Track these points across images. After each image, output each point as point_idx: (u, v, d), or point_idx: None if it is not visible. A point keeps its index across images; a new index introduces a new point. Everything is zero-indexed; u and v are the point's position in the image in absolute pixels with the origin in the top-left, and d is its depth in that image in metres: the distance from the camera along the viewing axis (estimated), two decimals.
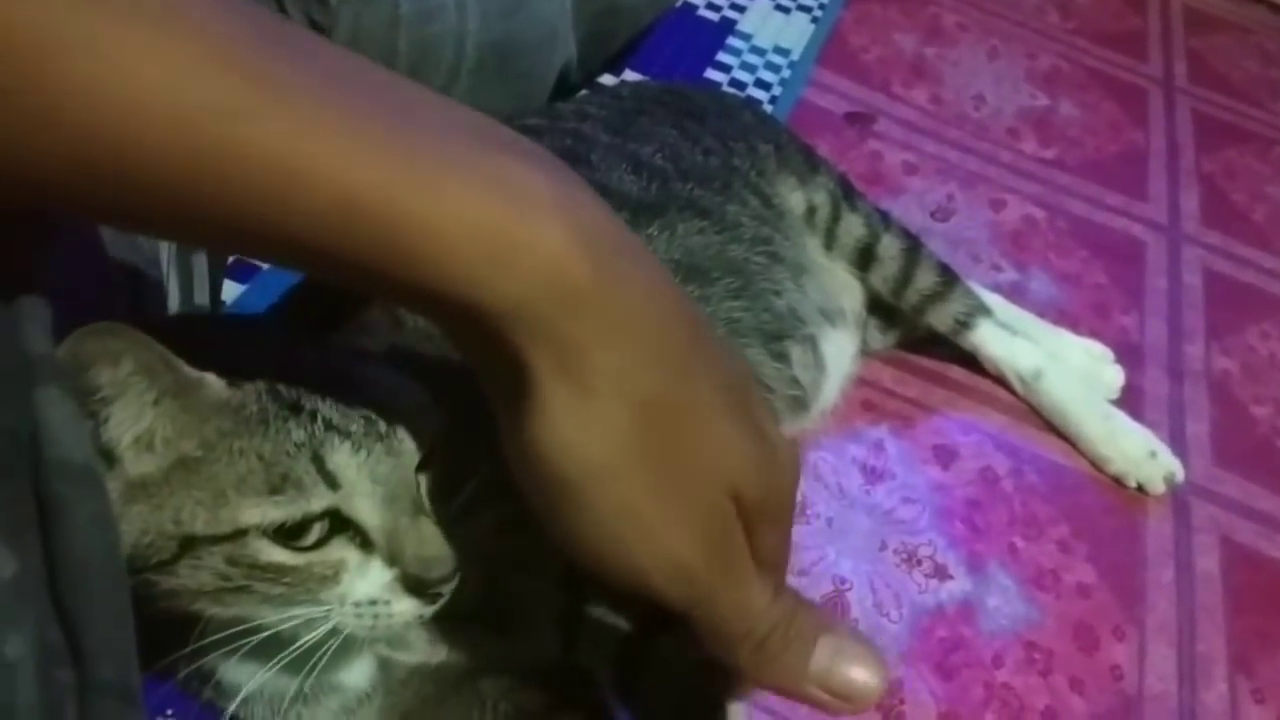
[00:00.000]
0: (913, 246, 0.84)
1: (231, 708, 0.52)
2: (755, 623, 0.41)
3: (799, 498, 0.75)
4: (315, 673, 0.47)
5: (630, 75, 1.07)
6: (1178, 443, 0.89)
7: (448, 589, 0.44)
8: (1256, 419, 0.95)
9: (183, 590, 0.43)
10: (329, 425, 0.42)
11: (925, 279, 0.83)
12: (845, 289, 0.84)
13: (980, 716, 0.69)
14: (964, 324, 0.85)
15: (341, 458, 0.42)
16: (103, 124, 0.31)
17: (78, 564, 0.41)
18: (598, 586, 0.44)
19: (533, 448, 0.36)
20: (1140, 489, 0.84)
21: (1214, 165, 1.24)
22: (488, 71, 0.84)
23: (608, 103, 0.86)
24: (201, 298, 0.63)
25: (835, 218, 0.83)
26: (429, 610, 0.45)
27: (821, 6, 1.29)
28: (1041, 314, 0.94)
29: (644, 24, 1.05)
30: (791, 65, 1.19)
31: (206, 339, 0.46)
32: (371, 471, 0.42)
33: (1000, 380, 0.88)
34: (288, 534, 0.42)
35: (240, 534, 0.41)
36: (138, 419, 0.42)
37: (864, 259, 0.83)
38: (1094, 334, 0.94)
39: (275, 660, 0.46)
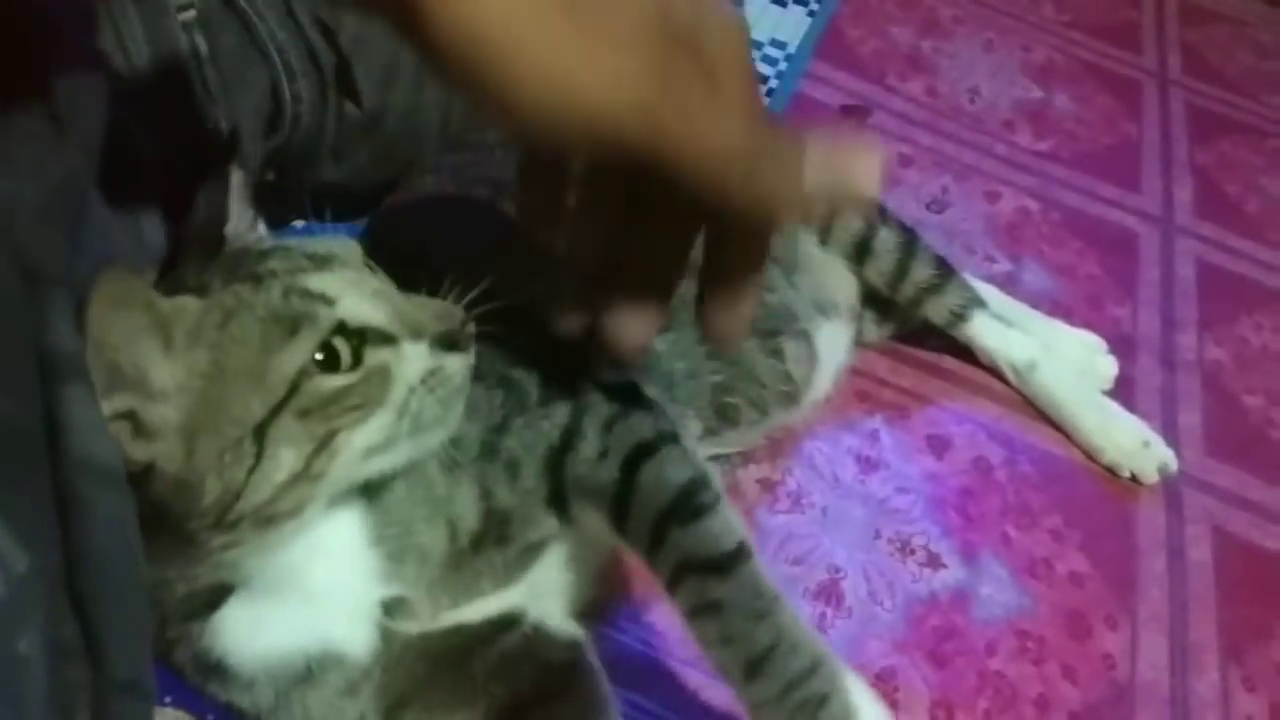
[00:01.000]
0: (909, 240, 0.84)
1: (239, 702, 0.53)
2: (738, 146, 0.39)
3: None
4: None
5: None
6: (1170, 433, 0.89)
7: (471, 329, 0.50)
8: (1249, 409, 0.95)
9: (280, 489, 0.46)
10: (290, 271, 0.47)
11: (921, 272, 0.84)
12: (840, 282, 0.84)
13: (973, 704, 0.69)
14: (959, 316, 0.85)
15: (316, 280, 0.47)
16: None
17: (97, 562, 0.41)
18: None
19: (440, 29, 0.34)
20: (1133, 479, 0.85)
21: (1208, 157, 1.25)
22: None
23: None
24: None
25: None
26: (470, 355, 0.50)
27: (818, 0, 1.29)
28: (1035, 305, 0.95)
29: None
30: (788, 58, 1.19)
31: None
32: (345, 280, 0.48)
33: (994, 371, 0.88)
34: (328, 367, 0.46)
35: (294, 387, 0.45)
36: (159, 362, 0.45)
37: (860, 252, 0.83)
38: (1087, 325, 0.94)
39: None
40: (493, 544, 0.54)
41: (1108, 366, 0.91)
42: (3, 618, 0.36)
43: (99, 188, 0.52)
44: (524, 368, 0.57)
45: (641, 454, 0.53)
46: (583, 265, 0.50)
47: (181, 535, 0.47)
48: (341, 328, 0.46)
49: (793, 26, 1.24)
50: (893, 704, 0.68)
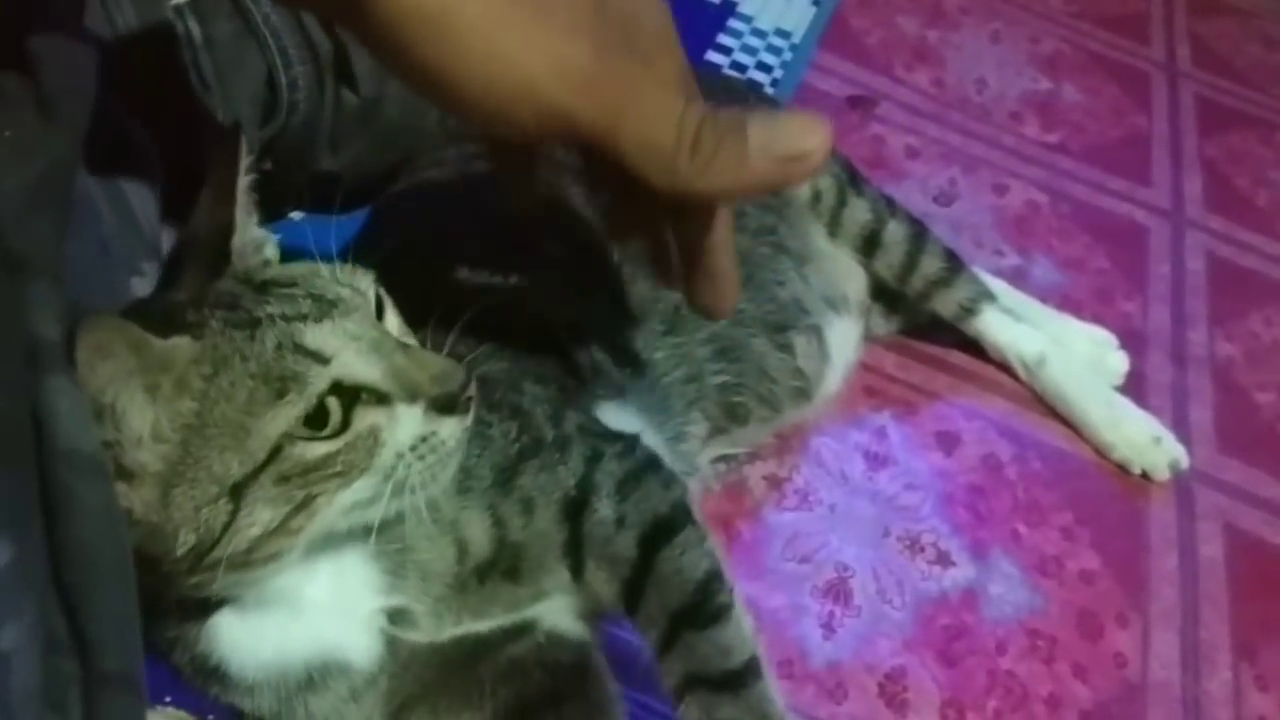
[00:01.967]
0: (918, 233, 0.83)
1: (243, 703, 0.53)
2: (682, 123, 0.39)
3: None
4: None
5: None
6: (1181, 429, 0.88)
7: (472, 390, 0.47)
8: (1259, 405, 0.94)
9: (256, 541, 0.45)
10: (287, 318, 0.45)
11: (930, 265, 0.83)
12: (849, 276, 0.83)
13: (983, 704, 0.68)
14: (968, 310, 0.84)
15: (314, 335, 0.44)
16: None
17: (83, 553, 0.41)
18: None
19: (382, 11, 0.35)
20: (1144, 475, 0.84)
21: (1217, 150, 1.24)
22: None
23: None
24: None
25: (840, 203, 0.82)
26: (468, 419, 0.47)
27: None
28: (1044, 299, 0.94)
29: None
30: (793, 48, 1.17)
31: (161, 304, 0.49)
32: (344, 332, 0.45)
33: (1004, 366, 0.88)
34: (314, 426, 0.44)
35: (275, 450, 0.43)
36: (143, 408, 0.43)
37: (869, 245, 0.82)
38: (1097, 319, 0.93)
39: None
40: (502, 576, 0.53)
41: (1118, 362, 0.90)
42: None
43: (89, 172, 0.51)
44: (532, 396, 0.56)
45: (660, 534, 0.52)
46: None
47: (155, 575, 0.45)
48: (335, 386, 0.44)
49: (798, 16, 1.22)
50: (902, 704, 0.67)
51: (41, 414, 0.40)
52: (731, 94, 0.87)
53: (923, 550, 0.76)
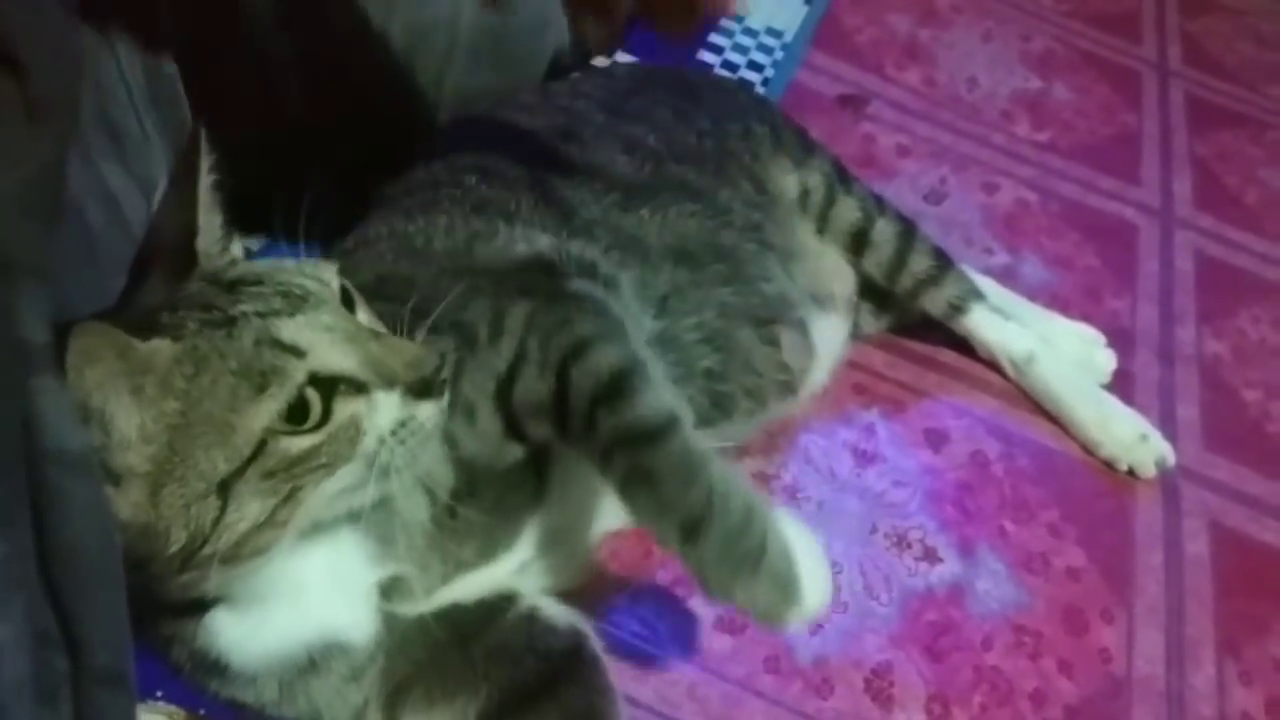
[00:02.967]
0: (907, 231, 0.84)
1: (248, 699, 0.53)
2: None
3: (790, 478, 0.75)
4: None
5: (622, 58, 1.06)
6: (1168, 426, 0.89)
7: (446, 373, 0.48)
8: (1247, 403, 0.95)
9: (245, 535, 0.45)
10: (261, 314, 0.46)
11: (919, 264, 0.83)
12: (837, 273, 0.83)
13: (969, 699, 0.69)
14: (957, 309, 0.85)
15: (290, 329, 0.46)
16: None
17: (71, 551, 0.41)
18: None
19: None
20: (1131, 473, 0.84)
21: (1207, 149, 1.24)
22: (481, 56, 0.84)
23: (602, 83, 0.86)
24: None
25: (829, 201, 0.83)
26: (444, 402, 0.49)
27: None
28: (1033, 297, 0.94)
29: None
30: (784, 47, 1.18)
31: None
32: (318, 325, 0.46)
33: (992, 364, 0.88)
34: (296, 421, 0.45)
35: (260, 445, 0.44)
36: (130, 411, 0.44)
37: (857, 243, 0.83)
38: (1085, 318, 0.94)
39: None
40: (467, 497, 0.54)
41: (1106, 360, 0.90)
42: None
43: (78, 172, 0.51)
44: (476, 307, 0.57)
45: (574, 354, 0.53)
46: None
47: (148, 575, 0.46)
48: (313, 378, 0.45)
49: (789, 15, 1.23)
50: (888, 699, 0.67)
51: (29, 415, 0.40)
52: (721, 94, 0.88)
53: (910, 547, 0.76)
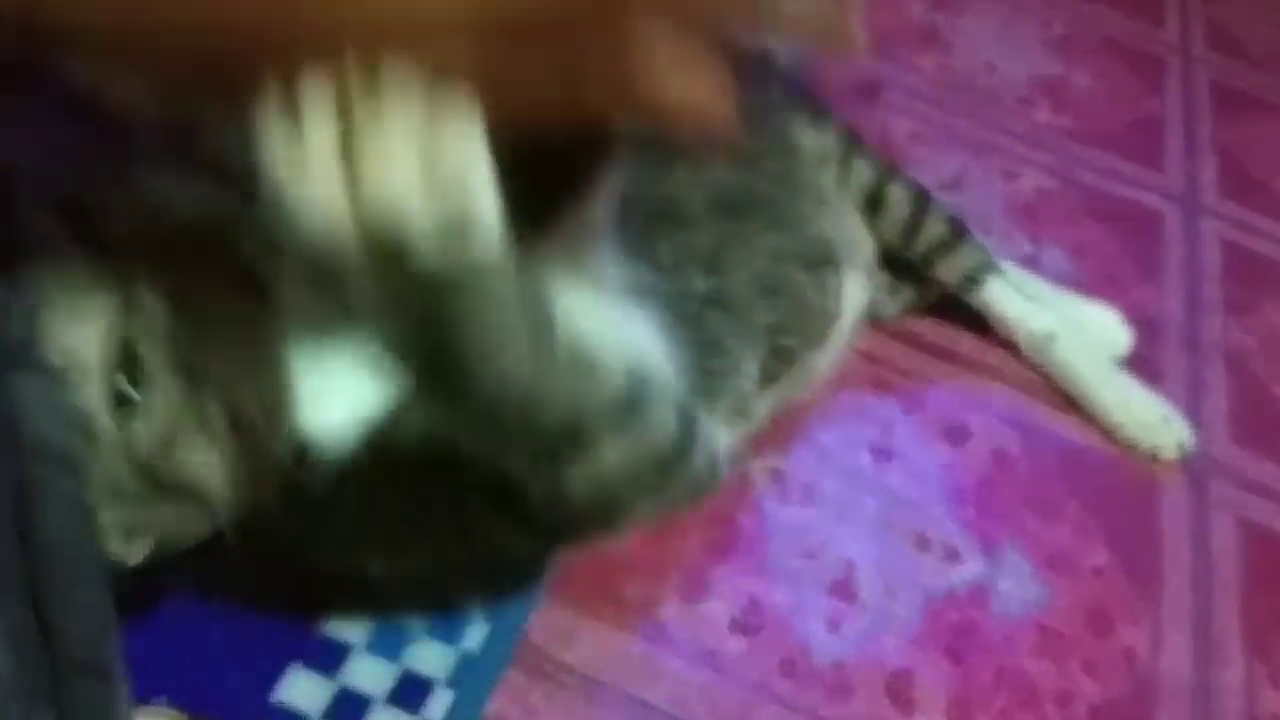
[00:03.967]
0: (921, 195, 0.83)
1: None
2: None
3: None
4: None
5: None
6: (1195, 420, 0.87)
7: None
8: (1276, 396, 0.92)
9: None
10: None
11: (934, 228, 0.82)
12: (859, 229, 0.82)
13: (991, 701, 0.67)
14: (973, 279, 0.83)
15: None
16: None
17: (52, 544, 0.41)
18: None
19: None
20: (1152, 457, 0.82)
21: (1232, 135, 1.21)
22: None
23: None
24: None
25: (845, 159, 0.82)
26: None
27: None
28: (1056, 286, 0.92)
29: None
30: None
31: None
32: None
33: (1010, 348, 0.86)
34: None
35: None
36: None
37: (872, 204, 0.82)
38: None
39: None
40: None
41: (1123, 338, 0.88)
42: None
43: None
44: None
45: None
46: None
47: None
48: None
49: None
50: (909, 702, 0.66)
51: (9, 409, 0.40)
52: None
53: (930, 546, 0.74)
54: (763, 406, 0.70)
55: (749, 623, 0.67)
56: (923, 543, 0.74)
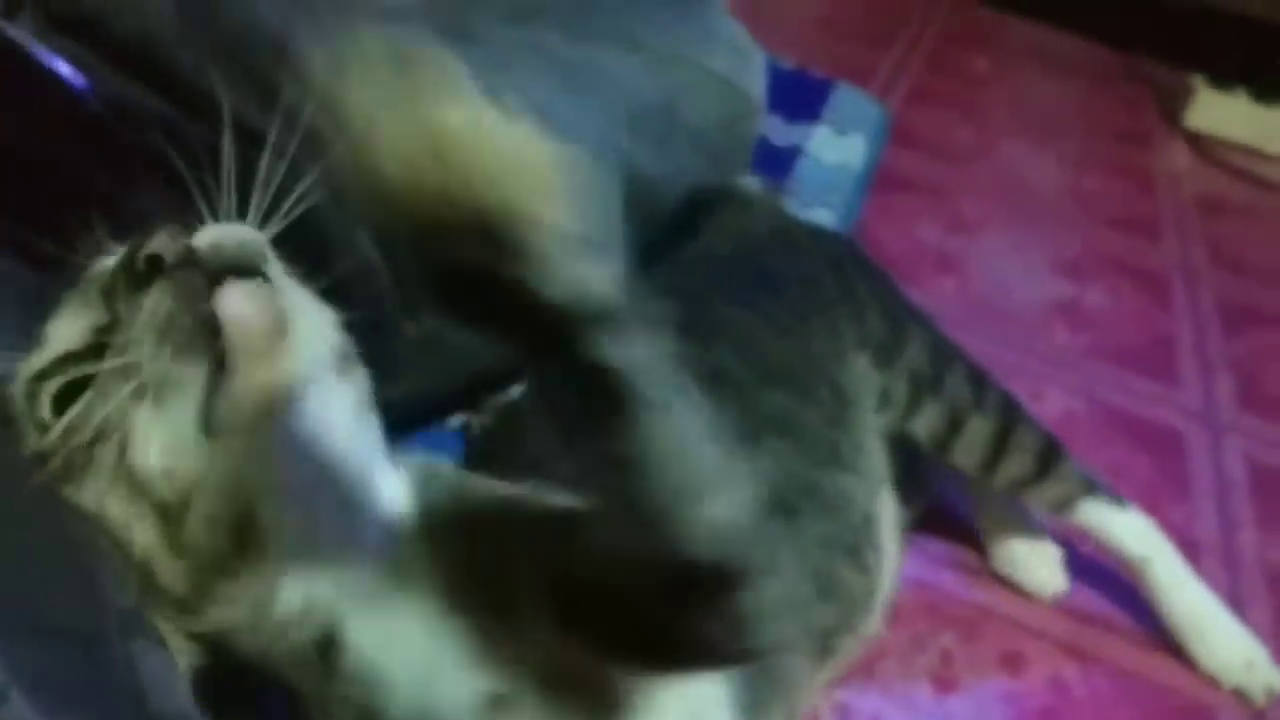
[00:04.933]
0: (1005, 427, 0.79)
1: None
2: None
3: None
4: None
5: None
6: None
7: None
8: None
9: None
10: None
11: (1016, 466, 0.80)
12: (883, 467, 0.78)
13: None
14: (1064, 506, 0.82)
15: None
16: None
17: None
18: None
19: None
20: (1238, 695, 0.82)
21: (1241, 349, 1.26)
22: None
23: (674, 285, 0.78)
24: None
25: (911, 410, 0.79)
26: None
27: (844, 203, 1.34)
28: None
29: None
30: None
31: None
32: None
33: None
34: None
35: None
36: None
37: (940, 445, 0.79)
38: None
39: None
40: None
41: None
42: None
43: None
44: None
45: None
46: None
47: None
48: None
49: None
50: None
51: (136, 680, 0.41)
52: (807, 274, 0.82)
53: None
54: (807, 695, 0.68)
55: None
56: None
